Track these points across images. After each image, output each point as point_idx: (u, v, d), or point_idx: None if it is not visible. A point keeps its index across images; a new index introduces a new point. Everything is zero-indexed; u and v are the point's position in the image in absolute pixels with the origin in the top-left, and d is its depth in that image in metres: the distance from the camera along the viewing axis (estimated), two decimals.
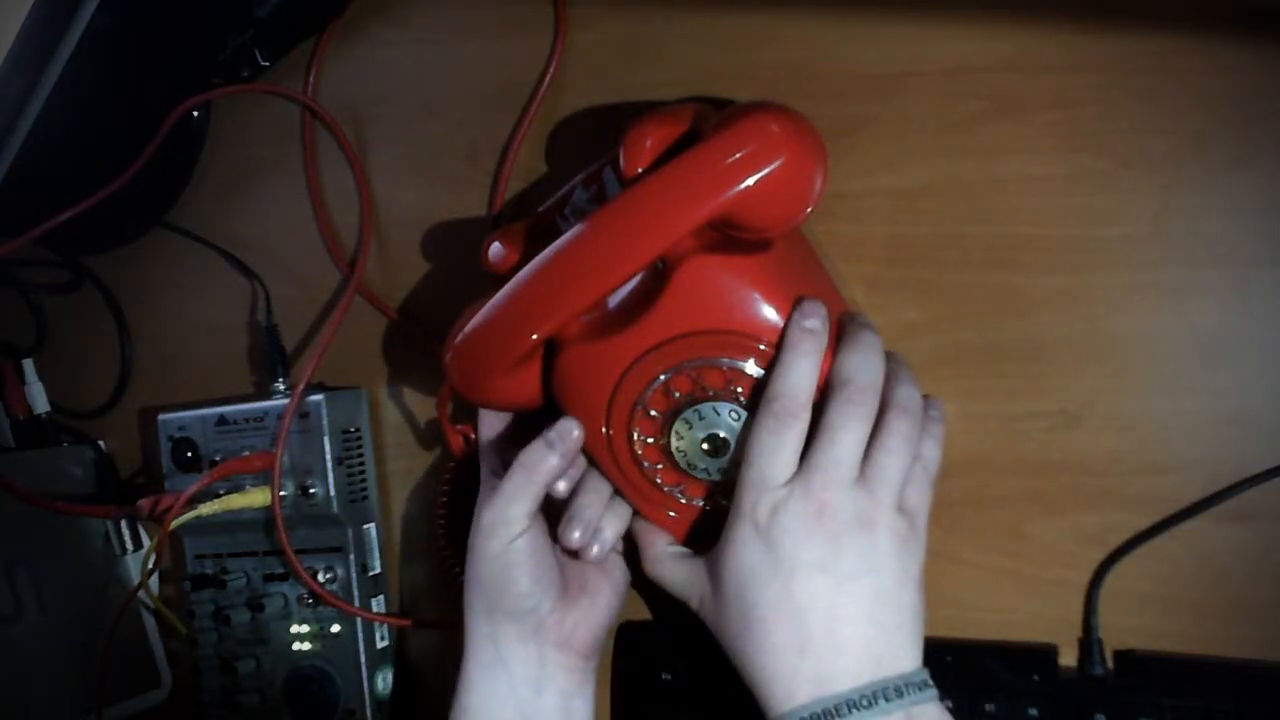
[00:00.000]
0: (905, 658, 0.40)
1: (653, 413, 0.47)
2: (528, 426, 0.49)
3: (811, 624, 0.40)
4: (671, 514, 0.49)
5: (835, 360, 0.43)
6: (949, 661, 0.49)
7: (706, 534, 0.49)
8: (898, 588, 0.41)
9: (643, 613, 0.53)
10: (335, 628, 0.59)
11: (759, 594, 0.41)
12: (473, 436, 0.56)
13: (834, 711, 0.38)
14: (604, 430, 0.48)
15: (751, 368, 0.44)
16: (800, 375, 0.42)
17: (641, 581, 0.49)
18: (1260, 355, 0.46)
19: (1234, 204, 0.46)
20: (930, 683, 0.40)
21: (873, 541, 0.41)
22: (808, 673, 0.39)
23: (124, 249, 0.68)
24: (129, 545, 0.68)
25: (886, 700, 0.38)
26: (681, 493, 0.48)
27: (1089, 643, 0.48)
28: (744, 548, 0.41)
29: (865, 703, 0.38)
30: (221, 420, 0.60)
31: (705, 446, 0.46)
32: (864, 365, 0.42)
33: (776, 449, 0.41)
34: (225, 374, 0.66)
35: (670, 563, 0.47)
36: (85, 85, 0.58)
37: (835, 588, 0.40)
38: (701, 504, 0.48)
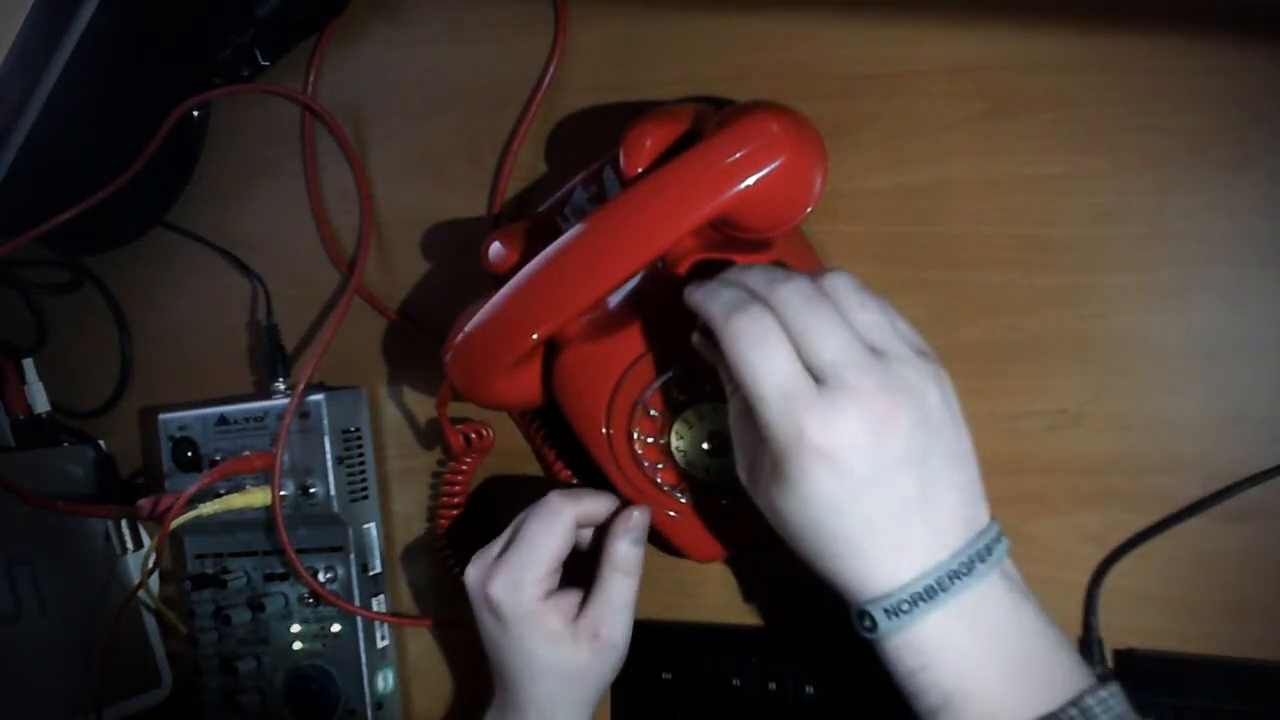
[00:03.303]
0: (983, 511, 0.38)
1: (653, 413, 0.47)
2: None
3: (907, 518, 0.36)
4: (671, 514, 0.49)
5: (762, 292, 0.39)
6: None
7: (706, 534, 0.49)
8: (957, 437, 0.38)
9: (643, 613, 0.53)
10: (335, 627, 0.59)
11: (840, 518, 0.37)
12: (474, 437, 0.56)
13: (937, 587, 0.36)
14: (604, 430, 0.48)
15: None
16: (748, 274, 0.39)
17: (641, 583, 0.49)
18: (1260, 355, 0.46)
19: (1234, 204, 0.46)
20: (1004, 533, 0.38)
21: (922, 403, 0.37)
22: (907, 560, 0.36)
23: (124, 249, 0.68)
24: (129, 545, 0.68)
25: (982, 561, 0.36)
26: (681, 493, 0.48)
27: (1089, 642, 0.48)
28: (809, 481, 0.36)
29: (965, 569, 0.36)
30: (222, 420, 0.60)
31: (706, 446, 0.46)
32: (774, 274, 0.39)
33: (770, 350, 0.37)
34: (225, 374, 0.66)
35: None
36: (85, 85, 0.58)
37: (919, 473, 0.36)
38: (702, 504, 0.48)
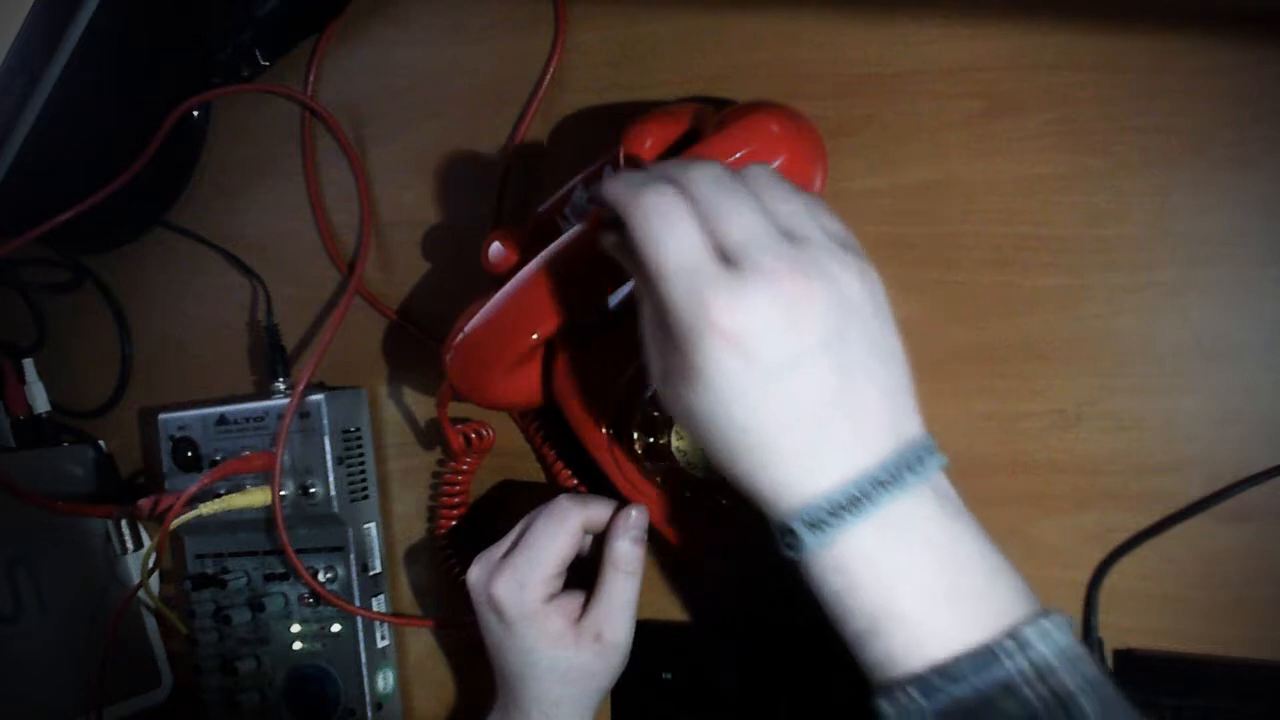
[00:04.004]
0: (913, 420, 0.35)
1: (653, 413, 0.47)
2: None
3: (825, 414, 0.33)
4: (671, 514, 0.49)
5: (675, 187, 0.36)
6: None
7: (706, 533, 0.49)
8: (883, 335, 0.35)
9: (643, 613, 0.53)
10: (335, 627, 0.59)
11: (752, 412, 0.33)
12: (474, 437, 0.56)
13: (861, 496, 0.33)
14: (604, 430, 0.48)
15: None
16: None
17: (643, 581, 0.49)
18: (1260, 355, 0.46)
19: (1234, 203, 0.46)
20: (938, 448, 0.35)
21: (842, 290, 0.34)
22: (827, 465, 0.33)
23: (124, 249, 0.68)
24: (129, 545, 0.68)
25: (912, 472, 0.33)
26: (682, 493, 0.48)
27: (1089, 642, 0.48)
28: (716, 369, 0.33)
29: (891, 479, 0.33)
30: (222, 420, 0.60)
31: None
32: (689, 160, 0.37)
33: (675, 224, 0.34)
34: (225, 374, 0.66)
35: None
36: (85, 85, 0.58)
37: (837, 363, 0.33)
38: (702, 503, 0.48)
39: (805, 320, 0.33)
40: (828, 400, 0.33)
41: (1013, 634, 0.32)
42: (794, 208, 0.35)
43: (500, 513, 0.59)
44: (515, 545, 0.48)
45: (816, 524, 0.33)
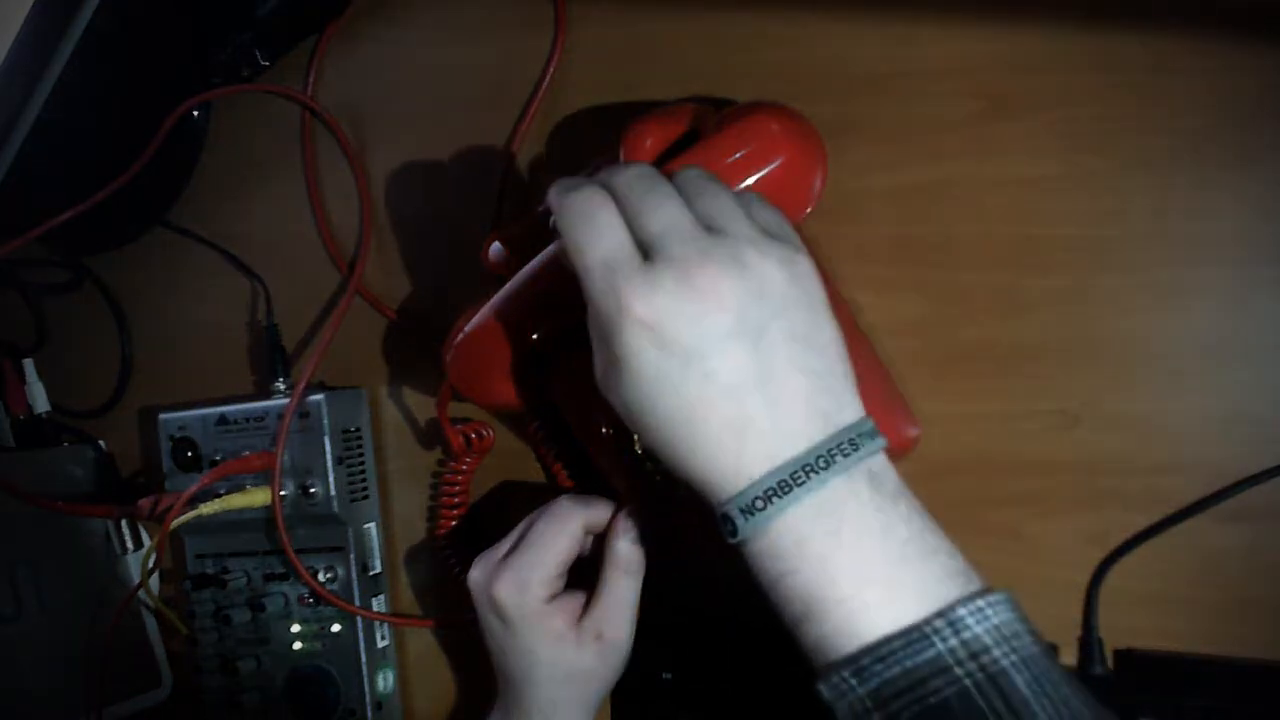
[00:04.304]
0: (849, 406, 0.35)
1: None
2: None
3: (745, 398, 0.34)
4: (671, 514, 0.49)
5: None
6: None
7: (706, 533, 0.49)
8: (809, 322, 0.35)
9: (643, 612, 0.53)
10: (335, 627, 0.59)
11: (675, 398, 0.34)
12: (474, 437, 0.56)
13: (791, 481, 0.33)
14: (604, 430, 0.48)
15: None
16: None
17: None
18: (1261, 355, 0.46)
19: (1234, 204, 0.46)
20: (879, 432, 0.35)
21: (757, 278, 0.34)
22: (754, 450, 0.34)
23: (124, 249, 0.68)
24: (129, 545, 0.68)
25: (844, 456, 0.34)
26: (681, 493, 0.48)
27: (1089, 642, 0.48)
28: (636, 356, 0.34)
29: (822, 463, 0.33)
30: (222, 420, 0.60)
31: None
32: (622, 164, 0.38)
33: (597, 221, 0.36)
34: (225, 374, 0.66)
35: None
36: (85, 85, 0.58)
37: (753, 348, 0.34)
38: (702, 504, 0.48)
39: (716, 308, 0.34)
40: (747, 386, 0.34)
41: (944, 614, 0.32)
42: (720, 203, 0.36)
43: (500, 513, 0.59)
44: (516, 546, 0.48)
45: (748, 509, 0.34)
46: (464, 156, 0.59)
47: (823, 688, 0.33)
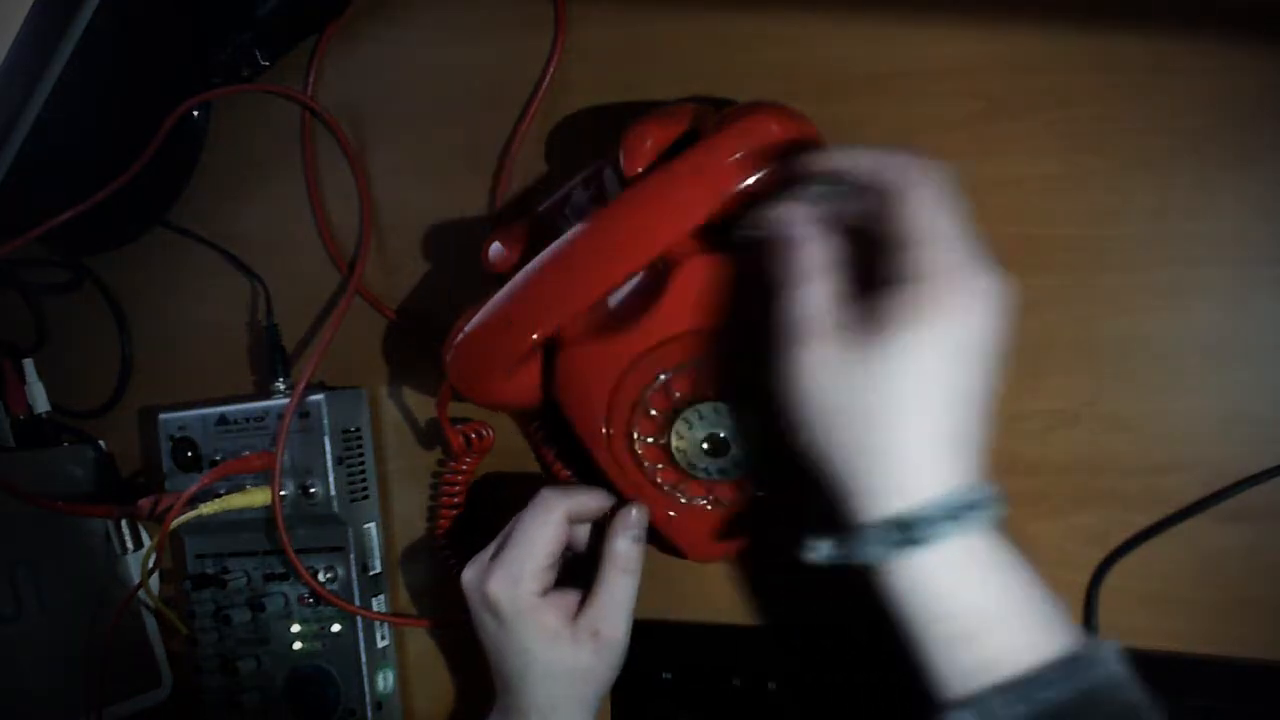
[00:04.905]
0: (975, 468, 0.37)
1: (653, 412, 0.47)
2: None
3: (970, 413, 0.37)
4: (671, 514, 0.49)
5: None
6: None
7: (706, 534, 0.49)
8: (978, 378, 0.37)
9: (643, 613, 0.53)
10: (335, 627, 0.59)
11: (958, 379, 0.36)
12: (474, 437, 0.56)
13: (975, 504, 0.35)
14: (604, 430, 0.48)
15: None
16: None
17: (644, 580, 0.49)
18: (1261, 355, 0.46)
19: (1234, 204, 0.46)
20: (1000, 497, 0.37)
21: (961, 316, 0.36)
22: (954, 468, 0.36)
23: (124, 249, 0.68)
24: (129, 545, 0.68)
25: (996, 505, 0.36)
26: (681, 492, 0.48)
27: None
28: (951, 322, 0.36)
29: (983, 504, 0.36)
30: (222, 420, 0.60)
31: (705, 446, 0.46)
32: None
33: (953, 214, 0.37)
34: (225, 374, 0.66)
35: None
36: (85, 85, 0.58)
37: (989, 380, 0.37)
38: (701, 504, 0.48)
39: (997, 334, 0.37)
40: (979, 401, 0.37)
41: (1089, 650, 0.35)
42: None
43: (500, 513, 0.59)
44: (504, 543, 0.48)
45: (952, 515, 0.35)
46: (464, 156, 0.59)
47: (964, 713, 0.34)
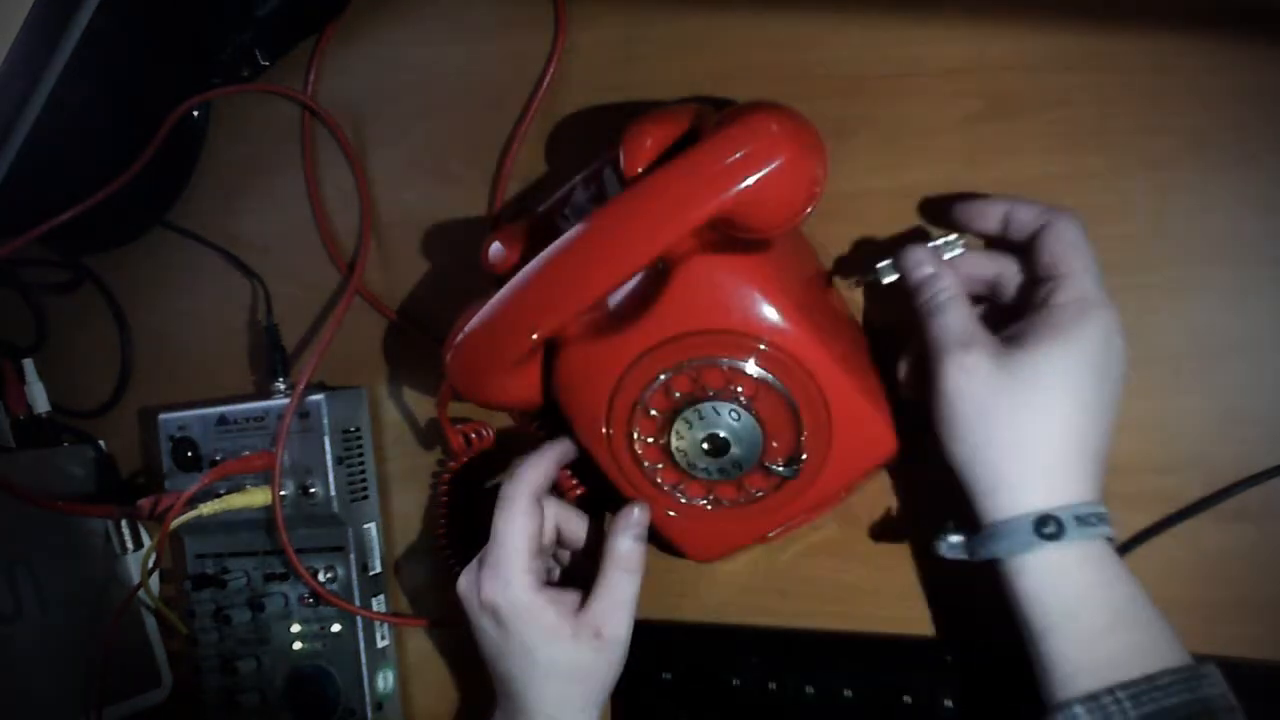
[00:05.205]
0: (1100, 482, 0.41)
1: (653, 412, 0.47)
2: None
3: (1104, 426, 0.41)
4: (671, 514, 0.49)
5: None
6: (951, 661, 0.49)
7: (706, 534, 0.49)
8: (1108, 395, 0.42)
9: (643, 613, 0.53)
10: (335, 627, 0.59)
11: (1107, 389, 0.42)
12: (474, 437, 0.56)
13: (1095, 518, 0.40)
14: (604, 430, 0.48)
15: (751, 367, 0.44)
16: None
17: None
18: (1261, 354, 0.46)
19: (1235, 203, 0.46)
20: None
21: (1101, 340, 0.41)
22: (1090, 477, 0.41)
23: (124, 249, 0.68)
24: (129, 545, 0.68)
25: (1097, 523, 0.40)
26: (681, 492, 0.48)
27: None
28: (1101, 331, 0.41)
29: (1104, 517, 0.40)
30: (222, 420, 0.60)
31: (705, 446, 0.46)
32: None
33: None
34: (225, 374, 0.66)
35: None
36: (85, 85, 0.58)
37: (1119, 397, 0.42)
38: (701, 504, 0.48)
39: (1124, 360, 0.42)
40: (1112, 414, 0.42)
41: (1202, 665, 0.38)
42: None
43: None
44: (487, 547, 0.48)
45: (1084, 519, 0.39)
46: (464, 156, 0.59)
47: (1080, 709, 0.38)
